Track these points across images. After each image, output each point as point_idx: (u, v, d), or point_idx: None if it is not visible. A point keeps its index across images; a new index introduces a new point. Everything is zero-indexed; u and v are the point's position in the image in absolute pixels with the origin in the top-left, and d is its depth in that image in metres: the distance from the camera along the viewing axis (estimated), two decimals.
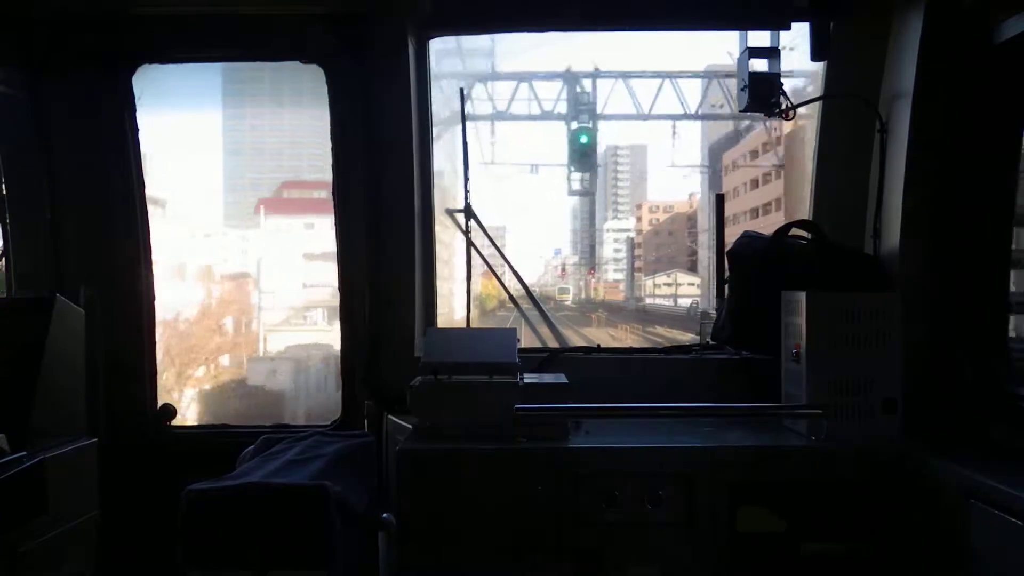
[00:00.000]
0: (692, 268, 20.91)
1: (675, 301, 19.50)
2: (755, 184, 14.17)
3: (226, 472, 3.08)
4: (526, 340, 3.85)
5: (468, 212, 3.94)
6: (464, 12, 3.68)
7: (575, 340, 4.43)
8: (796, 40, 3.61)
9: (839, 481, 2.76)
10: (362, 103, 3.69)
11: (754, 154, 14.42)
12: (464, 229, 3.93)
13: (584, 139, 8.62)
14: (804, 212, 3.79)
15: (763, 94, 3.42)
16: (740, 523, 2.76)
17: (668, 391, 3.23)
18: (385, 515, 3.14)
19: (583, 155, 8.56)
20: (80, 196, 3.81)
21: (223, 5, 3.55)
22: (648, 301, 20.84)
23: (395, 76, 3.62)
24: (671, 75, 8.80)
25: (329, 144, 3.79)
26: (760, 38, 3.65)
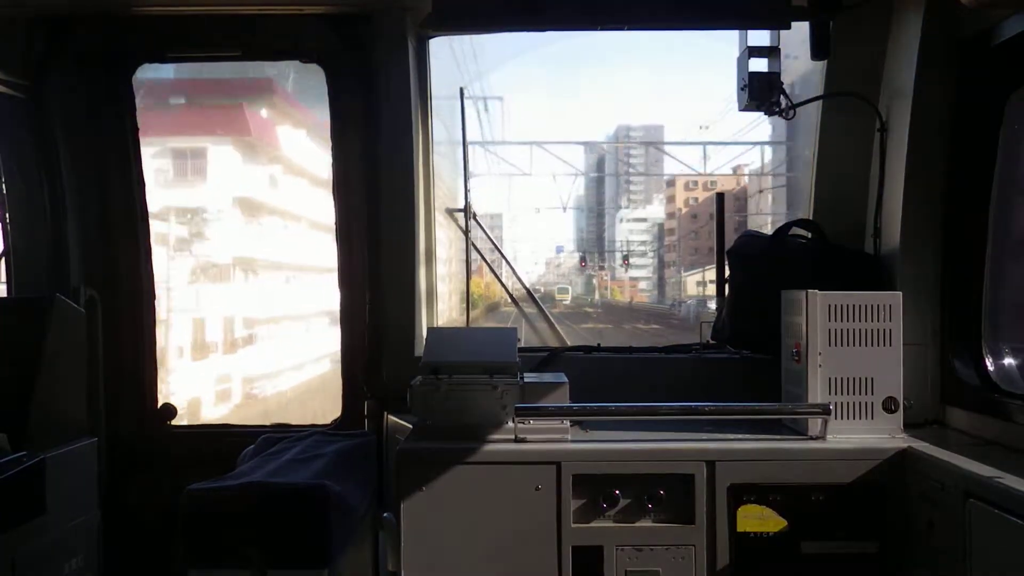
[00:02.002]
0: None
1: None
2: None
3: (226, 472, 3.07)
4: (526, 339, 3.85)
5: (468, 212, 3.94)
6: (464, 12, 3.67)
7: None
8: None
9: (839, 480, 2.75)
10: (362, 103, 3.69)
11: None
12: (464, 229, 3.94)
13: None
14: None
15: (763, 93, 3.43)
16: (740, 523, 2.76)
17: (668, 391, 3.23)
18: (385, 515, 3.14)
19: None
20: (80, 196, 3.81)
21: (223, 5, 3.55)
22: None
23: (395, 76, 3.62)
24: None
25: None
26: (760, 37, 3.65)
